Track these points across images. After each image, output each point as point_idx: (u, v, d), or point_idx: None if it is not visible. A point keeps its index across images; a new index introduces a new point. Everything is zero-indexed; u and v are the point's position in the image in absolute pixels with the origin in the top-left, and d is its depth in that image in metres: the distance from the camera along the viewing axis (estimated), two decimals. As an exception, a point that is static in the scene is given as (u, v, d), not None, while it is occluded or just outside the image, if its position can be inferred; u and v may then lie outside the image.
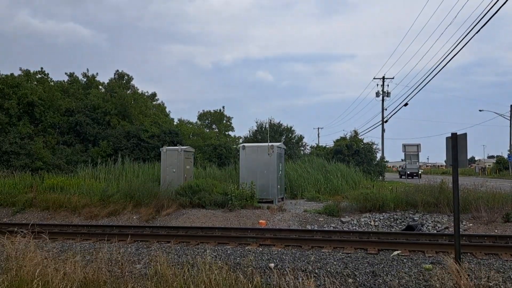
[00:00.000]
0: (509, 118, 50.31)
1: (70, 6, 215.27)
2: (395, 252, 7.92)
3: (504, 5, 14.60)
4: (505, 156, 58.74)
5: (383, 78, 41.25)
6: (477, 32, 16.66)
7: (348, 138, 33.17)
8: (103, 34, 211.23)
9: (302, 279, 6.00)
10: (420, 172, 43.93)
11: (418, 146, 32.68)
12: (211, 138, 34.30)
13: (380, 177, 31.44)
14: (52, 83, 30.52)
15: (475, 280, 5.67)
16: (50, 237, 10.40)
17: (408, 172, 41.47)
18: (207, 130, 45.93)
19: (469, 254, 7.75)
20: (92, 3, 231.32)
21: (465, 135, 6.14)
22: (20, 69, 31.84)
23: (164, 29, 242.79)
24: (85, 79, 34.89)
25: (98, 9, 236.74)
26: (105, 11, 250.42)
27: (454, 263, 5.44)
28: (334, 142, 34.17)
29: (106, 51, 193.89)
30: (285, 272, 6.56)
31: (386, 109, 40.34)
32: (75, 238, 10.22)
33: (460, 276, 5.08)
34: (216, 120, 51.23)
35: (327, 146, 34.83)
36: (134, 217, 14.07)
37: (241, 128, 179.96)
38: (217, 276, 4.59)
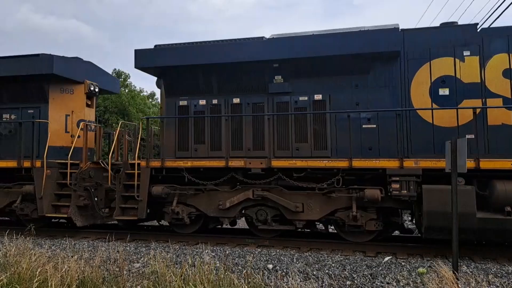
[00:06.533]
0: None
1: (72, 3, 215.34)
2: (386, 258, 7.76)
3: (506, 9, 14.65)
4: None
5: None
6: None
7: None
8: (105, 32, 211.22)
9: (301, 280, 6.02)
10: None
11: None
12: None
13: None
14: None
15: (473, 285, 5.69)
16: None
17: None
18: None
19: (467, 258, 7.79)
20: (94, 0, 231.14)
21: (465, 139, 6.15)
22: None
23: (166, 28, 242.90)
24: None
25: (100, 7, 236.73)
26: (107, 9, 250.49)
27: (448, 272, 5.42)
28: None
29: (108, 49, 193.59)
30: (284, 273, 6.57)
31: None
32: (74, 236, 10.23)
33: (457, 285, 5.09)
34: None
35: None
36: (133, 216, 14.03)
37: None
38: (214, 277, 4.59)
